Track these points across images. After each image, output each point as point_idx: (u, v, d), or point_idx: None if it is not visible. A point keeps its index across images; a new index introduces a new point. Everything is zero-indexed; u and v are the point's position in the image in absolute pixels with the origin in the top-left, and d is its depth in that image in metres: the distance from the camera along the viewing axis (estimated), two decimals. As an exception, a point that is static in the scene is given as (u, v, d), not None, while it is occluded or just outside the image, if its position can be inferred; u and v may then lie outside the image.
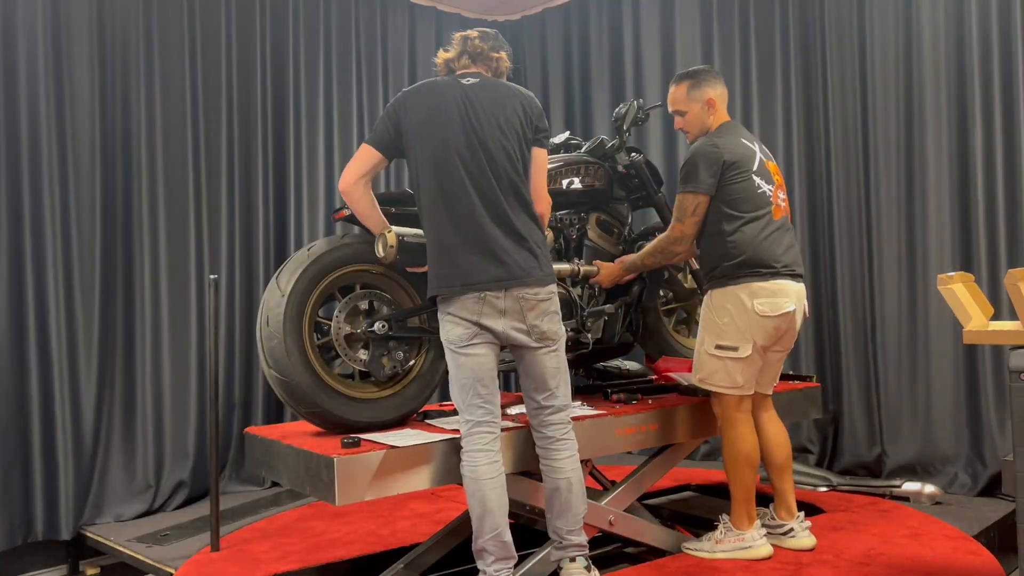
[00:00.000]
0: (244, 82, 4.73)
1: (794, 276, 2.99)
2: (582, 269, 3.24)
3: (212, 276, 3.57)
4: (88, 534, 3.96)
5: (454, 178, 2.52)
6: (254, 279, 4.73)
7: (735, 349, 2.92)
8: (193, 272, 4.48)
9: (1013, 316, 3.49)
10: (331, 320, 2.73)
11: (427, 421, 2.87)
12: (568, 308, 3.17)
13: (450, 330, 2.53)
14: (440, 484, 2.59)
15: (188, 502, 4.35)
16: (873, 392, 4.37)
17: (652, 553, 3.19)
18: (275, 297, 2.61)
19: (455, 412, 2.87)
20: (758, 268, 2.91)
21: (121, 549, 3.70)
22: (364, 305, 2.78)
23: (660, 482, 3.71)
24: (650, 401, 3.24)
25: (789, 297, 2.93)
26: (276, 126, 4.86)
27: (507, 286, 2.50)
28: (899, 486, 3.93)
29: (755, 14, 4.86)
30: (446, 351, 2.57)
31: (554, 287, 2.61)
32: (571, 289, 3.20)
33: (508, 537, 2.53)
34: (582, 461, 3.24)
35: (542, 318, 2.57)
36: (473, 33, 2.75)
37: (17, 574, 3.88)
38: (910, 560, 2.99)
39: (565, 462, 2.64)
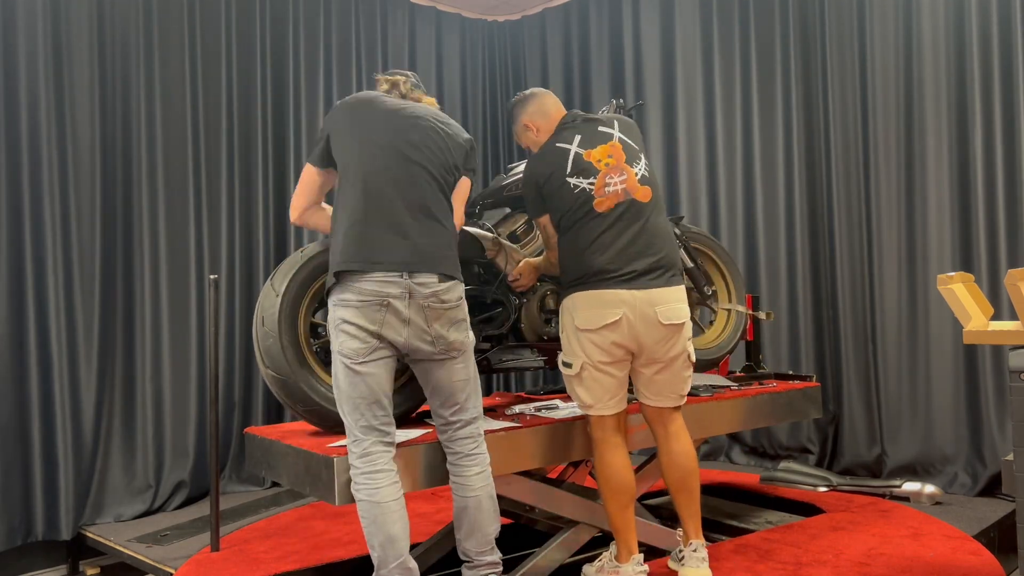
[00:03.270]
0: (244, 82, 4.73)
1: (629, 280, 2.64)
2: (505, 248, 3.05)
3: (212, 276, 3.57)
4: (88, 534, 3.97)
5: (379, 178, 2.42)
6: (254, 279, 4.73)
7: (569, 366, 2.74)
8: (193, 272, 4.48)
9: (1013, 316, 3.49)
10: (326, 322, 2.73)
11: (427, 420, 2.87)
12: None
13: (344, 342, 2.32)
14: (439, 484, 2.59)
15: (188, 502, 4.35)
16: (873, 392, 4.37)
17: (652, 553, 3.19)
18: (270, 298, 2.64)
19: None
20: (580, 278, 2.69)
21: (121, 549, 3.70)
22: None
23: (660, 482, 3.71)
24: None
25: (616, 306, 2.63)
26: (276, 126, 4.86)
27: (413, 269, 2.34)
28: (899, 486, 3.93)
29: (755, 14, 4.86)
30: (338, 363, 2.35)
31: (462, 289, 2.49)
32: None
33: (413, 564, 2.35)
34: (583, 461, 3.27)
35: (448, 327, 2.42)
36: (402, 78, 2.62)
37: (17, 574, 3.89)
38: (910, 560, 2.99)
39: (474, 479, 2.48)
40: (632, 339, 2.66)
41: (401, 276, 2.33)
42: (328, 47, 5.10)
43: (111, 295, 4.22)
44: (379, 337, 2.32)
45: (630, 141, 2.81)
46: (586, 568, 2.89)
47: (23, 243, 3.93)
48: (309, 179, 2.52)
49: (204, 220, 4.54)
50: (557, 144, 2.80)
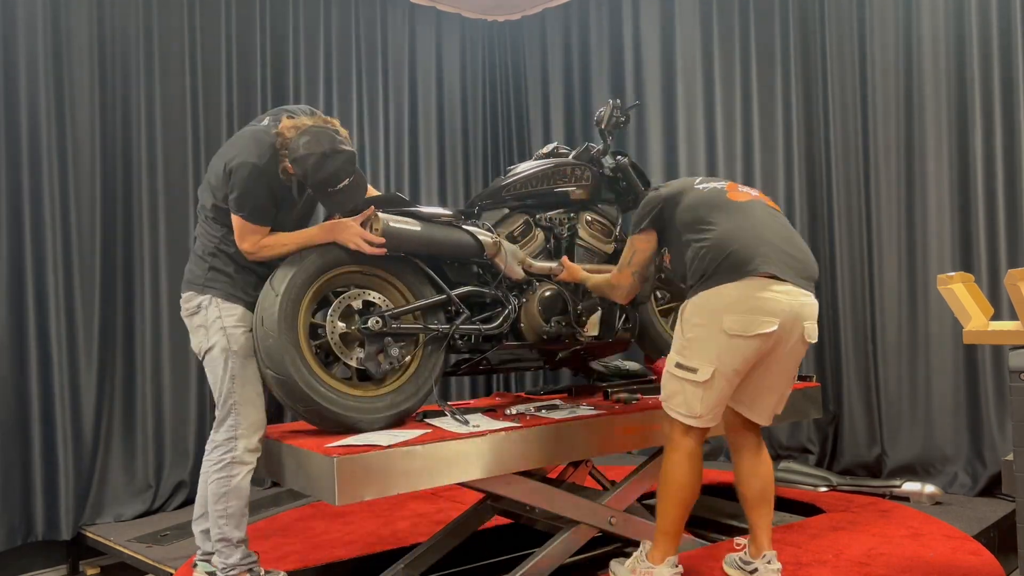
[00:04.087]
0: (244, 82, 4.73)
1: (786, 285, 2.49)
2: (534, 265, 3.14)
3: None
4: (88, 534, 3.97)
5: None
6: (254, 279, 4.72)
7: (693, 371, 2.50)
8: (193, 272, 4.48)
9: (1013, 316, 3.49)
10: (325, 323, 2.73)
11: (427, 420, 2.87)
12: (561, 304, 3.17)
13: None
14: (440, 484, 2.59)
15: (188, 502, 4.34)
16: (873, 392, 4.37)
17: (652, 553, 3.19)
18: (269, 298, 2.63)
19: (455, 412, 2.87)
20: (735, 268, 2.49)
21: (121, 549, 3.70)
22: (358, 304, 2.78)
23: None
24: (650, 401, 3.23)
25: (775, 315, 2.45)
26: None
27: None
28: (899, 486, 3.93)
29: (755, 14, 4.86)
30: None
31: (201, 298, 2.72)
32: (563, 287, 3.18)
33: (198, 527, 2.77)
34: (583, 461, 3.27)
35: (192, 333, 2.75)
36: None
37: (17, 574, 3.89)
38: (910, 560, 2.99)
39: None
40: (771, 352, 2.51)
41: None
42: (328, 47, 5.10)
43: (111, 295, 4.22)
44: None
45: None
46: (615, 565, 2.83)
47: (23, 243, 3.93)
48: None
49: (204, 220, 4.54)
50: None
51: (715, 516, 3.76)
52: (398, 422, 2.80)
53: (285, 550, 3.44)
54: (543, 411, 3.02)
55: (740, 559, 2.81)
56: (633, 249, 2.81)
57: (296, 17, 4.95)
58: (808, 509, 3.80)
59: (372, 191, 3.04)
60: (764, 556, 2.72)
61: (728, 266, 2.48)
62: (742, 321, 2.44)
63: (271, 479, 4.47)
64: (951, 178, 4.13)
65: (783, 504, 3.94)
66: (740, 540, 2.85)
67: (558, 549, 2.90)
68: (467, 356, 3.15)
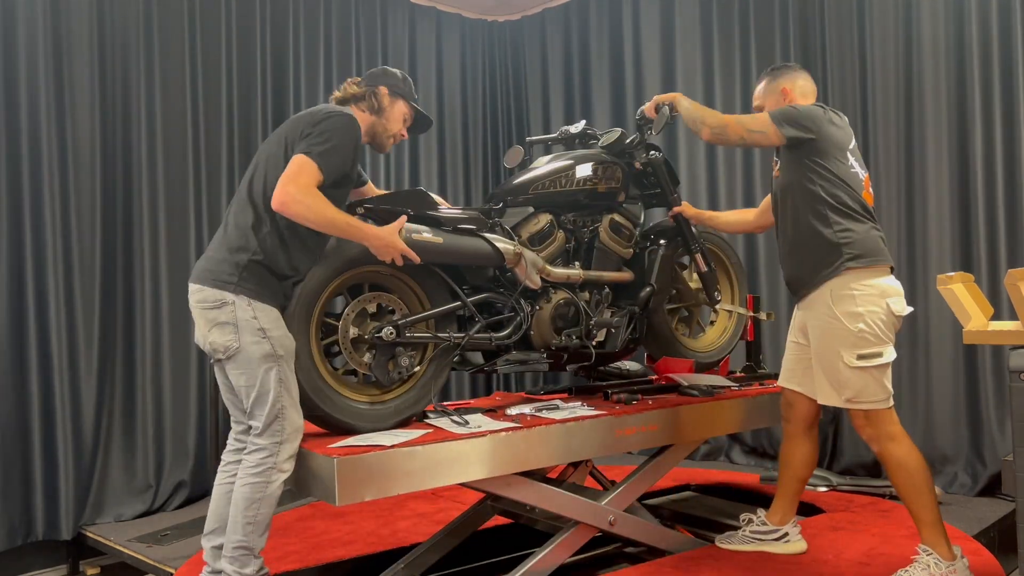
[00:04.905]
0: (244, 82, 4.73)
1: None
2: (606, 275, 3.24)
3: (212, 276, 3.56)
4: (88, 534, 3.97)
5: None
6: (254, 279, 4.72)
7: (879, 355, 2.77)
8: (193, 272, 4.48)
9: (1013, 316, 3.49)
10: (337, 320, 2.71)
11: (427, 421, 2.87)
12: (574, 315, 3.15)
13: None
14: (440, 484, 2.59)
15: (188, 502, 4.35)
16: (873, 392, 4.36)
17: (652, 553, 3.20)
18: None
19: (454, 412, 2.87)
20: (879, 255, 2.82)
21: (121, 549, 3.70)
22: (372, 308, 2.74)
23: (660, 482, 3.71)
24: (650, 401, 3.24)
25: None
26: (276, 125, 4.84)
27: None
28: (899, 486, 3.92)
29: (755, 14, 4.86)
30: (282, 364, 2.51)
31: (226, 295, 2.46)
32: (578, 295, 3.16)
33: (209, 543, 2.64)
34: (583, 461, 3.26)
35: (212, 329, 2.49)
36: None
37: (17, 574, 3.89)
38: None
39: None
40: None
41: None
42: (328, 47, 5.10)
43: (111, 295, 4.22)
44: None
45: None
46: (731, 534, 3.10)
47: (23, 243, 3.93)
48: None
49: (204, 220, 4.54)
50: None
51: (715, 516, 3.77)
52: (402, 427, 2.79)
53: (285, 550, 3.44)
54: (543, 411, 3.01)
55: (753, 531, 3.01)
56: (763, 126, 2.79)
57: (296, 18, 4.96)
58: (808, 509, 3.80)
59: (373, 189, 3.02)
60: (793, 521, 3.06)
61: (884, 253, 2.79)
62: (901, 303, 2.76)
63: (271, 479, 4.47)
64: (951, 178, 4.13)
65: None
66: (747, 515, 3.10)
67: (558, 549, 2.90)
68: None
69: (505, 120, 6.09)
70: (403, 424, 2.79)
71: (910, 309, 2.80)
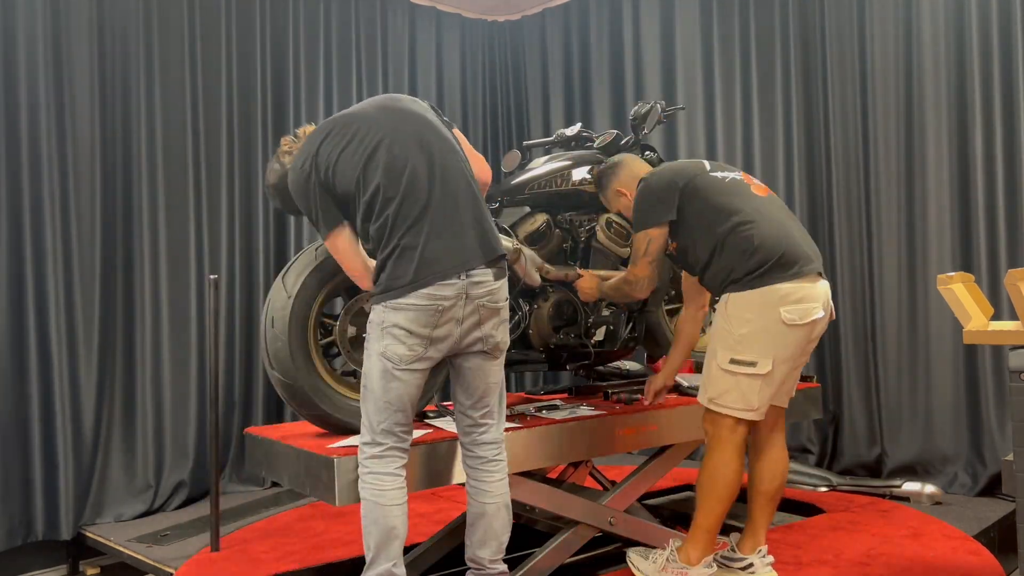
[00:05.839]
0: (244, 82, 4.73)
1: (818, 271, 2.65)
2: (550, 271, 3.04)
3: (212, 276, 3.57)
4: (88, 534, 3.96)
5: None
6: (254, 279, 4.72)
7: (753, 364, 2.57)
8: (193, 272, 4.48)
9: (1013, 316, 3.49)
10: (335, 319, 2.71)
11: (426, 421, 2.87)
12: (572, 314, 3.15)
13: (390, 346, 2.27)
14: (440, 484, 2.59)
15: (188, 502, 4.35)
16: (873, 392, 4.37)
17: (652, 553, 3.19)
18: (281, 298, 2.59)
19: (452, 413, 2.87)
20: (774, 264, 2.59)
21: (121, 549, 3.70)
22: (369, 307, 2.74)
23: (660, 482, 3.71)
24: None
25: (817, 300, 2.60)
26: (276, 126, 4.86)
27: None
28: (899, 486, 3.93)
29: (755, 14, 4.86)
30: (377, 364, 2.29)
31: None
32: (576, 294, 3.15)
33: (401, 571, 2.33)
34: (583, 461, 3.26)
35: (499, 327, 2.38)
36: None
37: (17, 574, 3.88)
38: (910, 560, 2.99)
39: (495, 485, 2.43)
40: (812, 337, 2.64)
41: (459, 278, 2.27)
42: (328, 47, 5.09)
43: (111, 295, 4.22)
44: (430, 342, 2.28)
45: None
46: (635, 558, 2.83)
47: (23, 243, 3.93)
48: None
49: (204, 220, 4.54)
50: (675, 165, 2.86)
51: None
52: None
53: (285, 550, 3.44)
54: (543, 411, 3.02)
55: (722, 556, 2.80)
56: (648, 238, 2.77)
57: (296, 18, 4.95)
58: (808, 509, 3.81)
59: None
60: (759, 551, 2.78)
61: (780, 266, 2.57)
62: (798, 311, 2.55)
63: (271, 479, 4.48)
64: (951, 178, 4.13)
65: (783, 504, 3.94)
66: (721, 538, 2.84)
67: (558, 549, 2.90)
68: None
69: (505, 120, 6.09)
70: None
71: (818, 315, 2.58)
